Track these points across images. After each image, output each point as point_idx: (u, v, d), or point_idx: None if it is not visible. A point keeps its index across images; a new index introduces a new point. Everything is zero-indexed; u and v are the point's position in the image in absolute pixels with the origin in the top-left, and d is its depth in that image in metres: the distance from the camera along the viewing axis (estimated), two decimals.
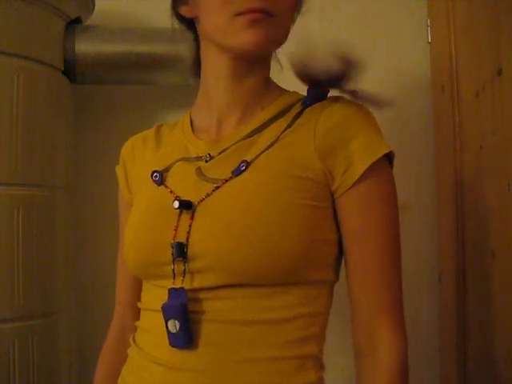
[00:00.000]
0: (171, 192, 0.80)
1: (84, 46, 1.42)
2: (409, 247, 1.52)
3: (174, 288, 0.75)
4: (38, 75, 1.31)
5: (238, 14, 0.75)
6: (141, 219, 0.83)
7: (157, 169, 0.85)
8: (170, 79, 1.50)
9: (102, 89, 1.60)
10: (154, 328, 0.78)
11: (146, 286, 0.85)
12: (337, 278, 0.82)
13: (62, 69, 1.41)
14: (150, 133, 0.94)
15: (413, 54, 1.55)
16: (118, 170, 0.95)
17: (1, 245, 1.21)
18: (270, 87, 0.86)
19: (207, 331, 0.74)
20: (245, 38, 0.75)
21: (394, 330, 0.76)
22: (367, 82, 0.83)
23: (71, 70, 1.43)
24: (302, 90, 0.86)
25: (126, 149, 0.95)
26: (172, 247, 0.74)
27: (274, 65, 0.90)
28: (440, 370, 1.51)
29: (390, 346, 0.75)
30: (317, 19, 1.57)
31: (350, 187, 0.76)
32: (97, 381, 0.94)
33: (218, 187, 0.76)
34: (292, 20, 0.84)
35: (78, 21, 1.45)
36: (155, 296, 0.79)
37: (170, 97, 1.58)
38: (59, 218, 1.37)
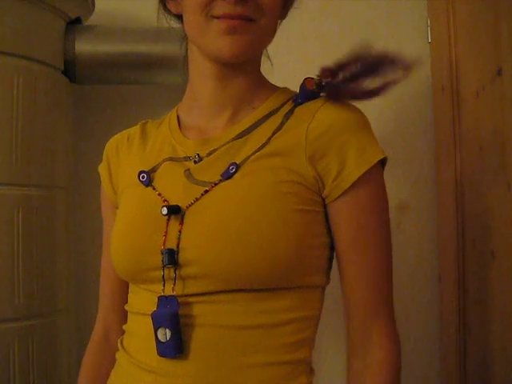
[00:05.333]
0: (159, 195, 0.78)
1: (84, 46, 1.42)
2: (409, 247, 1.52)
3: (164, 296, 0.73)
4: (38, 75, 1.31)
5: (216, 17, 0.73)
6: (128, 223, 0.80)
7: (143, 169, 0.82)
8: (170, 79, 1.50)
9: (102, 89, 1.60)
10: (143, 333, 0.75)
11: (134, 288, 0.82)
12: (328, 281, 0.81)
13: (62, 69, 1.41)
14: (134, 131, 0.90)
15: (413, 54, 1.55)
16: (101, 169, 0.92)
17: (1, 245, 1.21)
18: (260, 85, 0.83)
19: (199, 336, 0.72)
20: (221, 45, 0.73)
21: (386, 333, 0.76)
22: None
23: (71, 69, 1.43)
24: (294, 86, 0.84)
25: (109, 147, 0.92)
26: (162, 254, 0.73)
27: (264, 62, 0.87)
28: (440, 369, 1.51)
29: (383, 350, 0.75)
30: (316, 19, 1.57)
31: (342, 194, 0.74)
32: None
33: (207, 191, 0.74)
34: (276, 22, 0.80)
35: (78, 21, 1.45)
36: (144, 300, 0.77)
37: (169, 97, 1.58)
38: (59, 218, 1.37)
